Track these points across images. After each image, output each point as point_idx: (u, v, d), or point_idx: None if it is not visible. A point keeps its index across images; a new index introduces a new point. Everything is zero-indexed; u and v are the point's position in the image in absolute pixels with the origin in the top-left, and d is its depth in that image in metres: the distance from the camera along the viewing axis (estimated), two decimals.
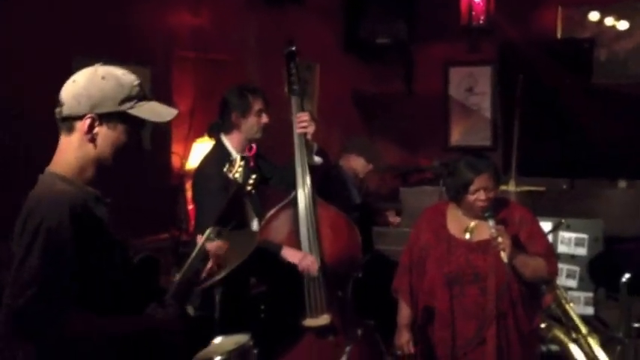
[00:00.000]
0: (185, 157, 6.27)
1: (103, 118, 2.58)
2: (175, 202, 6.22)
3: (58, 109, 2.59)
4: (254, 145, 3.91)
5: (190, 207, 6.06)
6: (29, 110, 4.75)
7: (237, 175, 3.03)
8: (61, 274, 2.43)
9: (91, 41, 5.22)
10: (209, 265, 3.02)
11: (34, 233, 2.41)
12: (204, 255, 2.91)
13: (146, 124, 2.67)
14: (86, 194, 2.59)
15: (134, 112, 2.61)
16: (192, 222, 5.85)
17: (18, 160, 4.74)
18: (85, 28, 5.23)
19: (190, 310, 3.13)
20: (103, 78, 2.58)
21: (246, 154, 3.95)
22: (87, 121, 2.56)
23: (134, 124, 2.64)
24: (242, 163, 2.97)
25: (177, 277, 2.82)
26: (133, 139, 2.65)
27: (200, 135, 6.16)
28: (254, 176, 3.02)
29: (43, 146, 4.80)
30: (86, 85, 2.57)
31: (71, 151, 2.60)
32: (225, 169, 3.10)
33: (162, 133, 5.86)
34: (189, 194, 6.09)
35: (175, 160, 6.26)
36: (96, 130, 2.58)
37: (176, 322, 2.73)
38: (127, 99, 2.60)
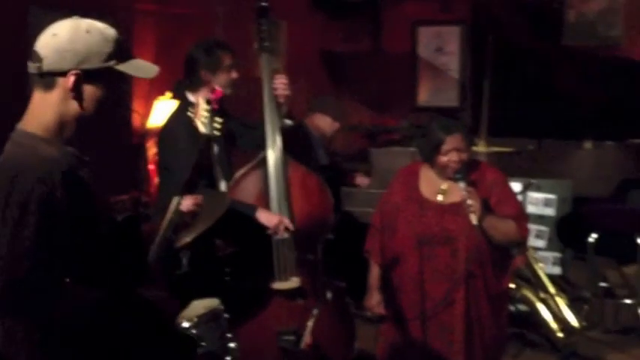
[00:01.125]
0: (146, 115, 6.13)
1: (89, 73, 2.45)
2: (136, 162, 6.10)
3: (35, 64, 2.43)
4: (217, 88, 3.77)
5: (151, 167, 5.95)
6: None
7: (203, 121, 2.92)
8: (57, 245, 2.32)
9: None
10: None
11: (25, 201, 2.27)
12: (179, 215, 2.82)
13: (127, 79, 2.57)
14: (70, 157, 2.47)
15: (121, 67, 2.50)
16: (154, 182, 5.75)
17: None
18: None
19: None
20: (87, 32, 2.45)
21: (210, 97, 3.80)
22: (72, 78, 2.42)
23: (118, 79, 2.53)
24: (207, 107, 2.86)
25: (157, 238, 2.74)
26: (113, 94, 2.55)
27: (161, 93, 6.02)
28: (220, 120, 2.92)
29: None
30: (71, 39, 2.42)
31: (49, 108, 2.45)
32: (189, 113, 2.99)
33: (121, 90, 5.69)
34: (149, 154, 5.98)
35: (136, 119, 6.12)
36: (81, 86, 2.45)
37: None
38: (113, 54, 2.48)
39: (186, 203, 2.89)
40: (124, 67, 2.51)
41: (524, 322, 5.45)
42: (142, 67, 2.60)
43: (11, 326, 2.31)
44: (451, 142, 3.91)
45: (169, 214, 2.82)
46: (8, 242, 2.27)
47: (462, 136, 3.94)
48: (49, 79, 2.44)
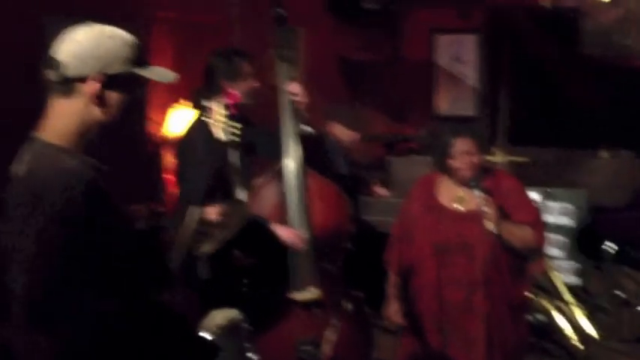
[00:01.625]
0: (161, 123, 6.10)
1: (111, 79, 2.42)
2: (151, 170, 6.07)
3: (54, 71, 2.40)
4: (235, 92, 3.76)
5: (167, 176, 5.92)
6: None
7: (221, 126, 2.90)
8: (81, 257, 2.29)
9: (65, 0, 4.97)
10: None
11: (50, 216, 2.24)
12: (200, 224, 2.80)
13: (144, 85, 2.55)
14: (91, 168, 2.42)
15: (142, 72, 2.49)
16: (169, 191, 5.72)
17: None
18: None
19: None
20: (108, 37, 2.43)
21: (227, 101, 3.77)
22: (94, 83, 2.40)
23: (137, 84, 2.51)
24: (224, 112, 2.83)
25: (177, 248, 2.72)
26: (131, 101, 2.53)
27: (177, 101, 6.00)
28: (237, 125, 2.89)
29: (13, 109, 4.69)
30: (92, 44, 2.40)
31: (70, 116, 2.42)
32: (205, 118, 2.97)
33: (137, 98, 5.65)
34: (166, 162, 5.95)
35: (151, 127, 6.10)
36: (104, 92, 2.43)
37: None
38: (133, 59, 2.47)
39: (210, 213, 2.87)
40: (144, 72, 2.50)
41: (542, 331, 5.41)
42: (161, 72, 2.59)
43: (36, 338, 2.29)
44: (460, 144, 3.94)
45: (189, 224, 2.80)
46: (34, 256, 2.24)
47: (471, 139, 3.96)
48: (69, 85, 2.40)
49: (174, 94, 5.97)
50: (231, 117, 2.83)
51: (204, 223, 2.87)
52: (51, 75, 2.41)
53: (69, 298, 2.28)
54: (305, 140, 4.33)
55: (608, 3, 8.08)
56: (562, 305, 5.34)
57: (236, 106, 3.17)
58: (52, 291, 2.25)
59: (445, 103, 8.86)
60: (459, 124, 4.12)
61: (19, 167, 2.41)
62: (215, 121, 2.88)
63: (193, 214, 2.84)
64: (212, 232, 3.07)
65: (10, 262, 2.32)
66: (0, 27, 4.64)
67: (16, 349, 2.35)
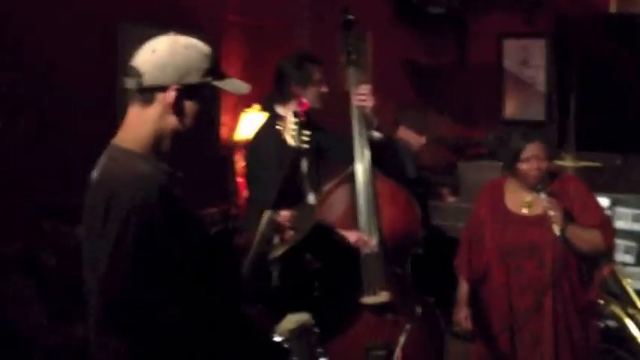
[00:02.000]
0: (233, 128, 6.12)
1: (188, 88, 2.44)
2: (224, 174, 6.10)
3: (134, 80, 2.42)
4: (304, 100, 3.76)
5: (240, 179, 5.94)
6: (73, 77, 4.63)
7: (292, 133, 2.90)
8: (157, 261, 2.30)
9: (136, 8, 5.04)
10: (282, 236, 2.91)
11: (125, 220, 2.26)
12: (273, 228, 2.78)
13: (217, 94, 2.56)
14: (165, 174, 2.45)
15: (219, 83, 2.51)
16: (242, 194, 5.73)
17: (63, 127, 4.63)
18: None
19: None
20: (186, 47, 2.45)
21: (297, 109, 3.78)
22: (173, 92, 2.42)
23: (212, 95, 2.54)
24: (295, 119, 2.82)
25: (250, 253, 2.71)
26: (205, 110, 2.54)
27: (249, 105, 6.02)
28: (307, 132, 2.88)
29: (90, 115, 4.75)
30: (171, 54, 2.42)
31: (147, 124, 2.44)
32: (278, 127, 2.96)
33: (210, 104, 5.69)
34: (238, 166, 5.97)
35: (223, 132, 6.12)
36: (182, 101, 2.44)
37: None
38: (210, 70, 2.48)
39: (283, 217, 2.85)
40: (221, 83, 2.52)
41: (613, 338, 5.28)
42: (235, 85, 2.60)
43: (115, 344, 2.30)
44: (530, 149, 3.93)
45: (262, 228, 2.78)
46: (108, 261, 2.26)
47: (542, 144, 3.95)
48: (148, 94, 2.42)
49: (245, 99, 5.99)
50: (301, 124, 2.81)
51: (276, 227, 2.85)
52: (130, 83, 2.44)
53: (142, 300, 2.29)
54: (374, 144, 4.32)
55: None
56: (633, 311, 5.20)
57: (306, 113, 3.17)
58: (127, 293, 2.26)
59: (513, 108, 8.75)
60: (530, 129, 4.10)
61: (96, 173, 2.45)
62: (286, 128, 2.86)
63: (266, 218, 2.81)
64: (283, 237, 3.05)
65: (88, 265, 2.35)
66: (77, 31, 4.69)
67: (91, 349, 2.38)
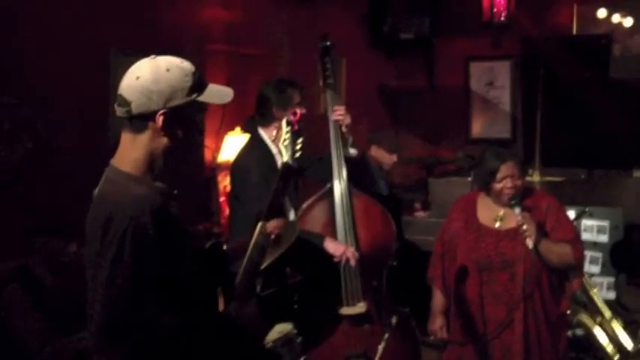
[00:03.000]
0: (217, 150, 6.18)
1: (176, 109, 2.45)
2: (208, 194, 6.14)
3: (123, 109, 2.43)
4: (298, 110, 3.80)
5: (222, 199, 5.98)
6: (68, 101, 4.69)
7: (285, 143, 2.91)
8: (152, 276, 2.33)
9: (127, 35, 5.16)
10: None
11: (121, 240, 2.29)
12: (263, 242, 2.80)
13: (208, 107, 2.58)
14: (160, 194, 2.47)
15: (204, 98, 2.51)
16: (225, 214, 5.77)
17: (53, 151, 4.67)
18: (121, 22, 5.18)
19: None
20: (167, 70, 2.44)
21: (291, 119, 3.80)
22: (161, 117, 2.43)
23: (200, 109, 2.54)
24: (288, 128, 2.85)
25: (242, 265, 2.72)
26: (198, 125, 2.57)
27: (231, 128, 6.07)
28: (300, 140, 2.91)
29: (83, 137, 4.79)
30: (154, 79, 2.41)
31: (140, 148, 2.46)
32: (273, 139, 2.99)
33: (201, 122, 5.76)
34: (221, 187, 6.01)
35: (207, 154, 6.17)
36: (171, 123, 2.45)
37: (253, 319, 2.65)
38: (194, 87, 2.48)
39: (273, 225, 2.86)
40: (205, 98, 2.51)
41: (581, 346, 5.33)
42: (218, 93, 2.59)
43: (113, 356, 2.33)
44: (505, 169, 3.92)
45: (255, 238, 2.79)
46: (106, 279, 2.29)
47: (515, 163, 3.95)
48: (138, 122, 2.44)
49: (228, 122, 6.07)
50: (294, 133, 2.84)
51: (267, 236, 2.85)
52: (120, 112, 2.45)
53: (139, 317, 2.31)
54: (350, 161, 4.38)
55: (635, 28, 8.08)
56: (600, 320, 5.25)
57: (299, 122, 3.20)
58: (125, 309, 2.28)
59: (480, 127, 8.86)
60: (502, 149, 4.09)
61: (96, 192, 2.48)
62: (278, 138, 2.88)
63: (259, 228, 2.82)
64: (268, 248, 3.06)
65: (89, 283, 2.38)
66: (71, 56, 4.79)
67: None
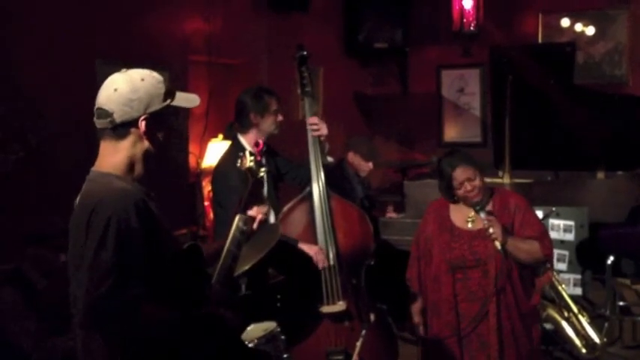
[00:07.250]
0: (201, 156, 6.18)
1: (154, 115, 2.53)
2: (192, 199, 6.13)
3: (105, 120, 2.49)
4: (260, 142, 3.84)
5: (206, 203, 5.97)
6: (57, 110, 4.65)
7: (249, 166, 2.95)
8: (135, 263, 2.35)
9: (112, 46, 5.16)
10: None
11: (104, 227, 2.31)
12: (239, 242, 2.80)
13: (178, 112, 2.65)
14: (140, 191, 2.52)
15: (176, 103, 2.60)
16: (209, 217, 5.77)
17: (43, 160, 4.64)
18: (106, 34, 5.17)
19: None
20: (142, 80, 2.52)
21: (254, 149, 3.84)
22: (144, 123, 2.51)
23: (172, 114, 2.63)
24: (252, 157, 2.89)
25: (218, 264, 2.72)
26: (172, 129, 2.62)
27: (214, 135, 6.08)
28: (263, 169, 2.95)
29: (69, 146, 4.77)
30: (131, 89, 2.49)
31: (122, 152, 2.52)
32: (237, 164, 3.02)
33: (178, 133, 5.77)
34: (205, 191, 6.01)
35: (191, 160, 6.17)
36: (153, 128, 2.53)
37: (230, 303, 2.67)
38: (167, 93, 2.57)
39: (254, 212, 2.86)
40: (177, 102, 2.61)
41: (550, 339, 5.36)
42: (187, 98, 2.68)
43: (87, 338, 2.38)
44: (460, 174, 3.94)
45: (232, 232, 2.79)
46: (90, 265, 2.30)
47: (467, 165, 3.95)
48: (121, 130, 2.49)
49: (211, 129, 6.07)
50: (257, 163, 2.89)
51: (243, 230, 2.83)
52: (102, 124, 2.51)
53: (120, 302, 2.32)
54: (327, 168, 4.39)
55: (596, 37, 8.17)
56: (568, 314, 5.28)
57: (261, 152, 3.25)
58: (106, 295, 2.29)
59: (452, 132, 8.92)
60: (451, 156, 4.05)
61: (78, 198, 2.52)
62: (243, 165, 2.92)
63: (235, 221, 2.81)
64: (246, 253, 3.04)
65: (73, 279, 2.39)
66: (58, 67, 4.79)
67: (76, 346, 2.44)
